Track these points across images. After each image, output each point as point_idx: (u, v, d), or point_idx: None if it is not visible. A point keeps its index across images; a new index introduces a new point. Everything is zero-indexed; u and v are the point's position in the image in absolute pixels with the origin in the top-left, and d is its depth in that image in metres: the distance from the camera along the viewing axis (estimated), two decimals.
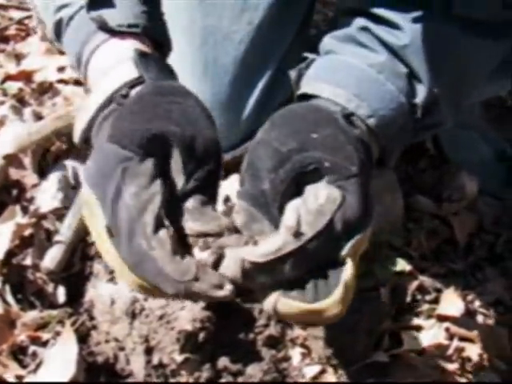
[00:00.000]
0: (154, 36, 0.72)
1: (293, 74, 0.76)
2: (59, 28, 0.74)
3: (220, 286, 0.57)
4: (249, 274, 0.58)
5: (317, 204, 0.60)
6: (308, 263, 0.59)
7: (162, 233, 0.58)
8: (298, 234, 0.58)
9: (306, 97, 0.72)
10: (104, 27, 0.70)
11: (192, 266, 0.57)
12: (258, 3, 1.01)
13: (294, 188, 0.63)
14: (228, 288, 0.58)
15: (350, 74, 0.70)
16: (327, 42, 0.76)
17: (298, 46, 1.09)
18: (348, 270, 0.60)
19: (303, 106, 0.70)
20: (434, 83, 0.71)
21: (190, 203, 0.61)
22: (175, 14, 1.00)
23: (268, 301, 0.60)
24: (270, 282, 0.59)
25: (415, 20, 0.70)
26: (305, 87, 0.73)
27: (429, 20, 0.71)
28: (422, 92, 0.71)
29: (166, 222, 0.58)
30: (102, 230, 0.60)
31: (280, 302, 0.59)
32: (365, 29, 0.73)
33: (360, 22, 0.73)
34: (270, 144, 0.65)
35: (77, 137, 0.69)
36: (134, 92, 0.65)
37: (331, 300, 0.58)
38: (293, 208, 0.61)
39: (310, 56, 0.77)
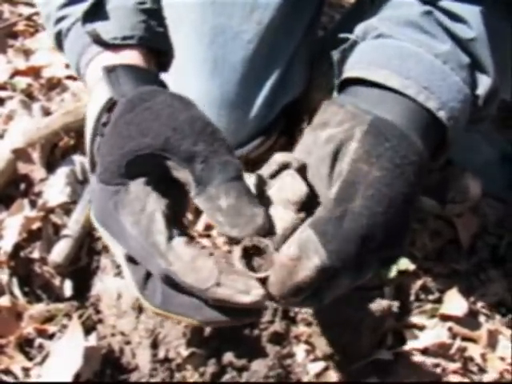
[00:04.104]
0: (152, 45, 0.71)
1: (335, 55, 0.73)
2: (59, 39, 0.74)
3: (246, 292, 0.53)
4: None
5: None
6: None
7: (176, 243, 0.55)
8: None
9: (358, 81, 0.68)
10: (98, 40, 0.69)
11: (214, 270, 0.53)
12: (268, 3, 1.01)
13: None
14: (255, 293, 0.53)
15: (417, 64, 0.67)
16: (377, 24, 0.71)
17: (306, 47, 1.10)
18: None
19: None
20: (497, 74, 0.70)
21: (223, 201, 0.56)
22: (186, 13, 1.00)
23: None
24: None
25: (475, 11, 0.68)
26: (358, 71, 0.68)
27: (485, 9, 0.69)
28: (485, 83, 0.69)
29: (177, 231, 0.56)
30: (121, 258, 0.60)
31: None
32: (429, 13, 0.69)
33: (422, 7, 0.69)
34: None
35: (87, 145, 0.68)
36: (112, 116, 0.63)
37: None
38: None
39: (351, 37, 0.73)
